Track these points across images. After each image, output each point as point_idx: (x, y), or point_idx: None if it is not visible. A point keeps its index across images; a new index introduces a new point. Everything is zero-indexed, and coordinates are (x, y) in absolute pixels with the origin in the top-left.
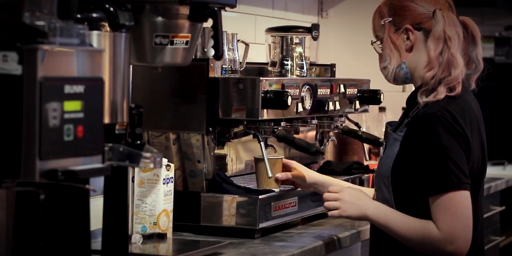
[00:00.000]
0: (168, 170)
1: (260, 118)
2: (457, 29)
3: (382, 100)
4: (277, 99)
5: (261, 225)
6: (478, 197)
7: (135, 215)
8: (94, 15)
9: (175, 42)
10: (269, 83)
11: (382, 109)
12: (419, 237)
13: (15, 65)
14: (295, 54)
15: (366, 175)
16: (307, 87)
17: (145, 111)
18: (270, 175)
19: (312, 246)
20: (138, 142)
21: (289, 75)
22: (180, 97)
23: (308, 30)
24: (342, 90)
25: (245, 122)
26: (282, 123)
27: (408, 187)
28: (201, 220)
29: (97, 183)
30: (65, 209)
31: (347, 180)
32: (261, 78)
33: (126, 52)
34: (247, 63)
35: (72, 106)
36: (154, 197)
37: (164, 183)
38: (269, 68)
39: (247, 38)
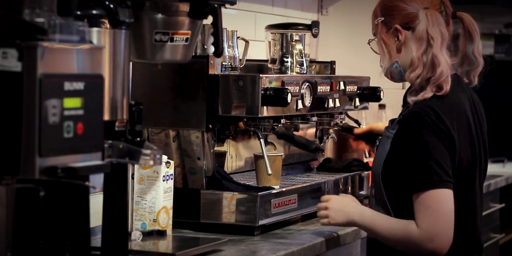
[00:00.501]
0: (167, 167)
1: (260, 115)
2: (441, 29)
3: (382, 97)
4: (277, 96)
5: (261, 222)
6: (473, 194)
7: (135, 212)
8: (94, 12)
9: (175, 39)
10: (269, 80)
11: (382, 106)
12: (400, 238)
13: (14, 62)
14: (295, 51)
15: (365, 172)
16: (307, 84)
17: (145, 108)
18: (270, 172)
19: (312, 243)
20: (138, 139)
21: (289, 72)
22: (180, 94)
23: (308, 27)
24: (342, 87)
25: (245, 119)
26: (282, 120)
27: (398, 184)
28: (200, 217)
29: (97, 180)
30: (65, 206)
31: (346, 178)
32: (261, 75)
33: (126, 49)
34: (247, 60)
35: (72, 103)
36: (154, 194)
37: (163, 180)
38: (269, 65)
39: (247, 35)
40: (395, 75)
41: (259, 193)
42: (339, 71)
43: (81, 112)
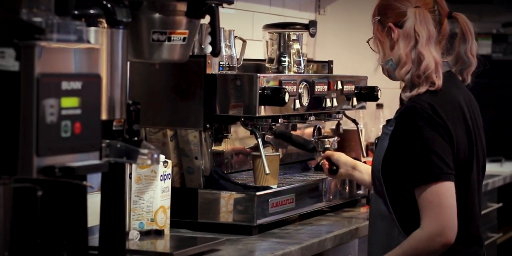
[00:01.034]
0: (165, 167)
1: (257, 115)
2: (428, 26)
3: (379, 97)
4: (274, 96)
5: (259, 222)
6: (470, 186)
7: (133, 212)
8: (92, 11)
9: (172, 38)
10: (266, 80)
11: (379, 106)
12: (413, 251)
13: (12, 62)
14: (292, 51)
15: None
16: (305, 83)
17: (143, 108)
18: (267, 171)
19: (309, 242)
20: (136, 138)
21: (287, 71)
22: (178, 94)
23: (306, 26)
24: (340, 86)
25: (242, 119)
26: (280, 120)
27: (398, 180)
28: (198, 216)
29: (95, 179)
30: (63, 206)
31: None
32: (258, 74)
33: (123, 48)
34: (244, 59)
35: (70, 102)
36: (152, 194)
37: (161, 180)
38: (267, 65)
39: (245, 34)
40: (391, 72)
41: (256, 193)
42: (337, 71)
43: (78, 112)
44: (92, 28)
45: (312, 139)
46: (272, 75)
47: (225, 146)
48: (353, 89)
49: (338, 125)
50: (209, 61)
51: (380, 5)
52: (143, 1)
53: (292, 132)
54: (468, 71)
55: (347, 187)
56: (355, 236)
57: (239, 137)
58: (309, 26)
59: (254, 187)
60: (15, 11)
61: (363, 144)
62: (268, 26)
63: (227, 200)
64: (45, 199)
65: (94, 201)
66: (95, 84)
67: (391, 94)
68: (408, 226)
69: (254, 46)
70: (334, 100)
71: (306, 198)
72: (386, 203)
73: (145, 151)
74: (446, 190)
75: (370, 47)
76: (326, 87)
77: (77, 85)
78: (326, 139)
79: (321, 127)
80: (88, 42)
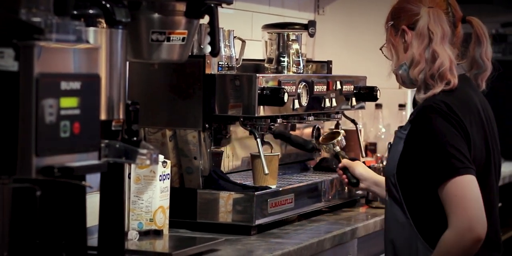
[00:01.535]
0: (164, 167)
1: (256, 115)
2: (443, 25)
3: (378, 97)
4: (273, 96)
5: (258, 222)
6: (488, 192)
7: (132, 212)
8: (91, 11)
9: (171, 38)
10: (265, 80)
11: (378, 106)
12: (445, 254)
13: (11, 62)
14: (291, 51)
15: None
16: (304, 83)
17: (142, 108)
18: (266, 171)
19: (308, 242)
20: (135, 138)
21: (286, 72)
22: (177, 94)
23: (305, 27)
24: (339, 87)
25: (241, 119)
26: (279, 120)
27: (415, 184)
28: (197, 216)
29: (94, 179)
30: (62, 206)
31: None
32: (257, 74)
33: (122, 48)
34: (243, 59)
35: (69, 102)
36: (151, 194)
37: (160, 180)
38: (266, 65)
39: (244, 34)
40: (405, 78)
41: (255, 193)
42: (336, 71)
43: (77, 112)
44: (91, 28)
45: (312, 139)
46: (271, 75)
47: (224, 146)
48: (352, 89)
49: (337, 125)
50: (208, 61)
51: (393, 9)
52: (142, 1)
53: (291, 132)
54: (483, 77)
55: (346, 187)
56: (354, 236)
57: (238, 137)
58: (308, 26)
59: (253, 187)
60: (14, 11)
61: (362, 144)
62: (267, 26)
63: (226, 200)
64: (44, 199)
65: (93, 201)
66: (94, 84)
67: (390, 94)
68: (427, 231)
69: (253, 46)
70: (333, 100)
71: (305, 198)
72: (403, 209)
73: (144, 151)
74: (471, 183)
75: (384, 55)
76: (325, 87)
77: (76, 85)
78: (335, 140)
79: (320, 127)
80: (87, 42)
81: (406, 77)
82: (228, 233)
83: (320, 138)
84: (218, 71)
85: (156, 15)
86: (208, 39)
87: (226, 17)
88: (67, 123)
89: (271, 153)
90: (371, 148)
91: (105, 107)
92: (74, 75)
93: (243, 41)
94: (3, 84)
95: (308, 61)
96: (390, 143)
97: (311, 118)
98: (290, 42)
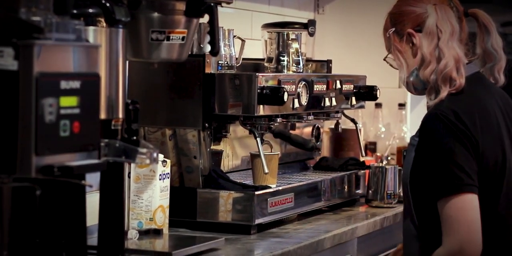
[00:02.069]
0: (164, 166)
1: (256, 114)
2: (451, 21)
3: (378, 96)
4: (273, 95)
5: (257, 221)
6: (502, 198)
7: (131, 211)
8: (90, 10)
9: (171, 37)
10: (265, 79)
11: (378, 105)
12: None
13: (11, 61)
14: (291, 50)
15: (362, 171)
16: (303, 83)
17: (141, 107)
18: (266, 171)
19: (308, 242)
20: (134, 137)
21: (285, 71)
22: (176, 93)
23: (305, 26)
24: (338, 86)
25: (241, 118)
26: (278, 119)
27: (423, 194)
28: (197, 216)
29: (93, 178)
30: (61, 205)
31: (343, 177)
32: (257, 74)
33: (122, 47)
34: (243, 59)
35: (68, 101)
36: (150, 193)
37: (160, 179)
38: (265, 64)
39: (244, 34)
40: (417, 85)
41: (255, 192)
42: (336, 70)
43: (77, 111)
44: (91, 27)
45: (311, 138)
46: (271, 74)
47: (224, 146)
48: (352, 89)
49: (337, 124)
50: (208, 60)
51: (392, 15)
52: (142, 0)
53: (291, 132)
54: (499, 68)
55: (346, 187)
56: (354, 235)
57: (238, 137)
58: (308, 26)
59: (253, 186)
60: (14, 10)
61: (362, 143)
62: (267, 26)
63: (226, 200)
64: (43, 198)
65: (93, 200)
66: (94, 84)
67: (390, 93)
68: (428, 244)
69: (253, 45)
70: (333, 99)
71: (305, 198)
72: (413, 220)
73: (144, 150)
74: (467, 203)
75: (390, 64)
76: (325, 86)
77: (76, 84)
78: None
79: (320, 126)
80: (87, 41)
81: (419, 82)
82: (228, 232)
83: None
84: (217, 70)
85: (155, 14)
86: (207, 38)
87: (225, 16)
88: (66, 122)
89: (271, 152)
90: (371, 148)
91: (105, 106)
92: (74, 74)
93: (243, 40)
94: (3, 83)
95: (308, 60)
96: (405, 150)
97: (310, 117)
98: (290, 41)
